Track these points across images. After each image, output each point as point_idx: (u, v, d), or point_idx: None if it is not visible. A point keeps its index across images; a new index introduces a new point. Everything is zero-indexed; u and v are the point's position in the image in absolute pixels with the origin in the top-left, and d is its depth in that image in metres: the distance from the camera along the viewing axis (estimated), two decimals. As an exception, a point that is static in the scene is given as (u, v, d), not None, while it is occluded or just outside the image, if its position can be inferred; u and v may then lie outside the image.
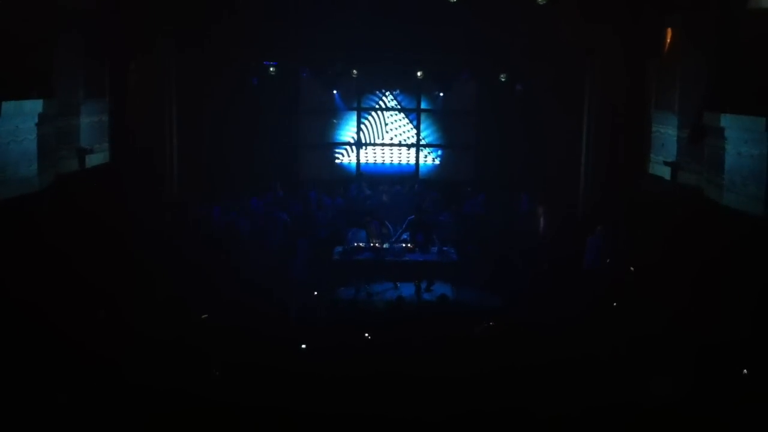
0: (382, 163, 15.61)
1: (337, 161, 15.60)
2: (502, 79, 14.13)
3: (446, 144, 15.52)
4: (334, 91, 14.86)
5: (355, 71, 14.14)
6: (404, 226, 11.95)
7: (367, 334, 7.22)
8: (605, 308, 8.45)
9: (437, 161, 15.63)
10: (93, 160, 10.71)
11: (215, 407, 5.46)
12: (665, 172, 10.79)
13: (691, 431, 5.31)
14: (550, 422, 5.40)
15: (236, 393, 5.72)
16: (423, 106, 15.43)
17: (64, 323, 6.72)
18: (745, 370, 6.03)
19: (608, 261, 10.31)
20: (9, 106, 8.18)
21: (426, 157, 15.67)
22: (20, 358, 5.95)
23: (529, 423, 5.44)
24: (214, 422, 5.37)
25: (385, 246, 11.55)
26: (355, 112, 15.43)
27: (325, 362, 6.34)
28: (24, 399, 5.33)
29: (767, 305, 7.24)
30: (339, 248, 11.57)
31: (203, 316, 7.56)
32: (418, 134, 15.52)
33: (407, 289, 10.65)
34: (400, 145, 15.56)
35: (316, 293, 9.95)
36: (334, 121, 15.36)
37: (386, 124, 15.50)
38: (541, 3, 10.95)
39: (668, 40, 10.81)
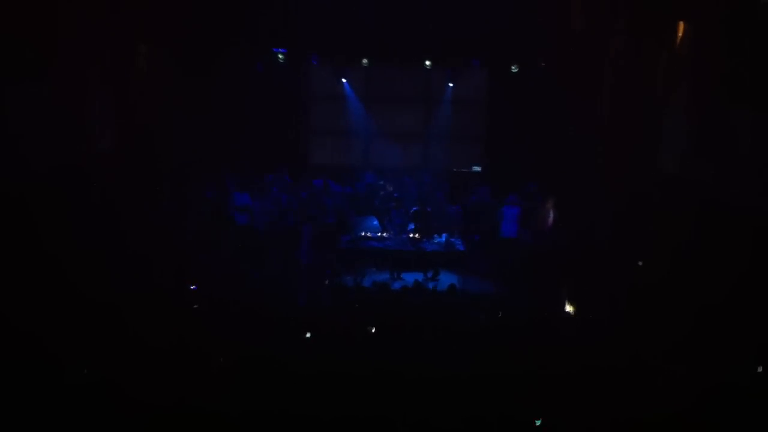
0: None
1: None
2: (514, 70, 14.05)
3: (455, 135, 15.39)
4: (344, 80, 14.82)
5: (365, 60, 14.13)
6: (409, 216, 12.02)
7: (372, 328, 7.18)
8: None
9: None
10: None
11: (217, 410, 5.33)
12: (675, 167, 10.69)
13: None
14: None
15: (239, 394, 5.60)
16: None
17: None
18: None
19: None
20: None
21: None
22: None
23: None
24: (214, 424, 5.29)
25: (390, 235, 11.61)
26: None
27: (329, 355, 6.25)
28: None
29: None
30: (346, 236, 11.63)
31: (194, 306, 7.47)
32: (426, 125, 15.42)
33: (412, 279, 10.62)
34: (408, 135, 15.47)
35: (322, 280, 10.00)
36: None
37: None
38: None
39: (680, 34, 10.69)
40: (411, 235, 11.72)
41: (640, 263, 9.50)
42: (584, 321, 7.70)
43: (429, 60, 14.11)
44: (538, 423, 5.41)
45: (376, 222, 12.11)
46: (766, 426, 5.22)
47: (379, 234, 11.88)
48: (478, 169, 15.20)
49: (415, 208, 12.10)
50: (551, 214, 12.13)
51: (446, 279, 10.59)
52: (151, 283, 8.27)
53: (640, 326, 7.20)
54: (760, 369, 6.06)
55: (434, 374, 5.82)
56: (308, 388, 5.61)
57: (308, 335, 6.82)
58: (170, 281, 8.49)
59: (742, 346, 6.43)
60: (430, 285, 10.72)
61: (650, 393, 5.65)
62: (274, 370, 5.84)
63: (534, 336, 6.79)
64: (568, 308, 8.37)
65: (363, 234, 11.82)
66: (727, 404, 5.34)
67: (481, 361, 6.12)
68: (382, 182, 14.05)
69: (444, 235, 11.78)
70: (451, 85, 14.86)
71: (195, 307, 7.53)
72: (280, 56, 13.92)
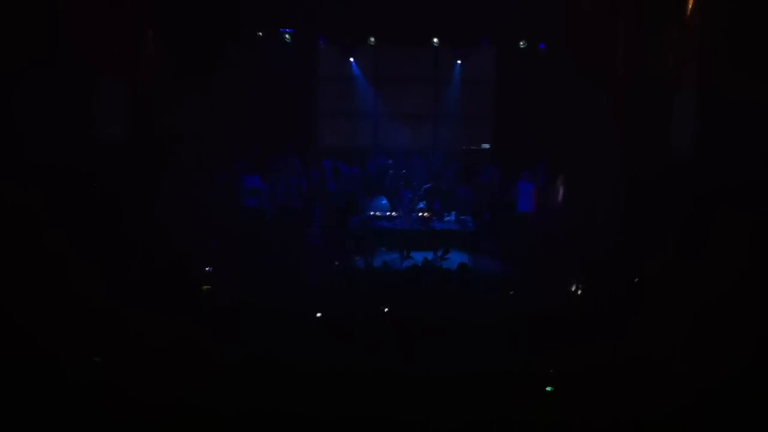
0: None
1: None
2: (522, 46, 13.94)
3: (464, 114, 15.30)
4: (351, 59, 14.75)
5: (372, 39, 14.07)
6: (420, 194, 12.03)
7: (385, 308, 7.17)
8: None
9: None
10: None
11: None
12: (685, 148, 10.56)
13: None
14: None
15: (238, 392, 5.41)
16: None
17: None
18: None
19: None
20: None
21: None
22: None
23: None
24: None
25: (400, 215, 11.62)
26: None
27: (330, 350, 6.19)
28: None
29: None
30: (356, 217, 11.66)
31: (205, 287, 7.46)
32: (435, 104, 15.33)
33: (422, 258, 10.62)
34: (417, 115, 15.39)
35: (333, 261, 10.01)
36: None
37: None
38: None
39: (690, 6, 10.52)
40: (421, 214, 11.73)
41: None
42: (587, 316, 7.57)
43: (437, 39, 14.03)
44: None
45: (385, 202, 12.13)
46: (766, 426, 5.16)
47: (389, 214, 11.91)
48: (487, 146, 15.16)
49: (427, 186, 12.10)
50: (561, 192, 12.10)
51: (456, 258, 10.58)
52: (153, 282, 8.20)
53: (642, 322, 7.10)
54: None
55: (436, 374, 5.68)
56: (308, 388, 5.48)
57: (318, 315, 6.85)
58: (171, 278, 8.41)
59: (743, 345, 6.32)
60: (441, 263, 10.75)
61: (650, 392, 5.52)
62: (274, 368, 5.74)
63: (537, 332, 6.69)
64: (573, 298, 8.27)
65: (373, 214, 11.84)
66: (727, 404, 5.24)
67: (483, 360, 6.07)
68: (390, 162, 14.06)
69: (453, 213, 11.79)
70: (459, 62, 14.76)
71: (206, 287, 7.55)
72: (287, 36, 13.86)
